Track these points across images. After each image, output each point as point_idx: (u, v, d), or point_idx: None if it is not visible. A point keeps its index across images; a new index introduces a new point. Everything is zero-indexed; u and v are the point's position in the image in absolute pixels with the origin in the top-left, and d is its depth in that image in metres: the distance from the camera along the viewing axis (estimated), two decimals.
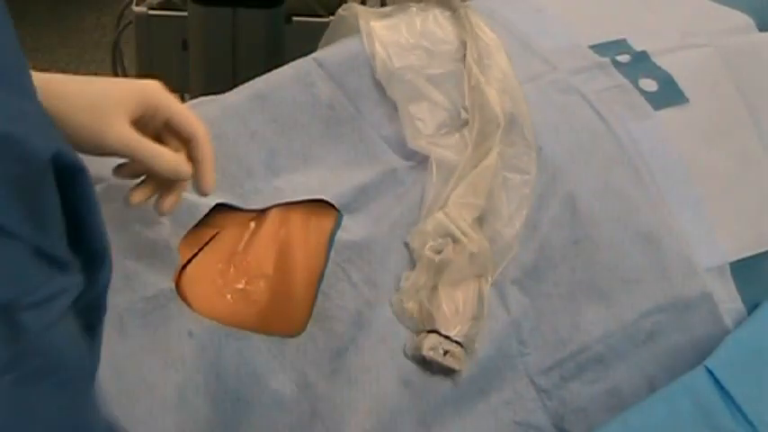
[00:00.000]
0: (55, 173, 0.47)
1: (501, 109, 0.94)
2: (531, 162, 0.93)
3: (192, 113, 0.81)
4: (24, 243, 0.46)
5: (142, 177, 0.82)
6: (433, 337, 0.84)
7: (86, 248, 0.50)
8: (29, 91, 0.52)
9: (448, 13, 1.05)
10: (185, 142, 0.81)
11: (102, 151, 0.76)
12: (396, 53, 0.99)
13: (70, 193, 0.49)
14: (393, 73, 0.97)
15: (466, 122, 0.95)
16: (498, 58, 1.00)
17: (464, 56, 0.99)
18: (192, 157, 0.81)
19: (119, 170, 0.82)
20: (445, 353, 0.84)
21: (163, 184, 0.81)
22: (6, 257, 0.45)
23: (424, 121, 0.95)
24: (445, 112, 0.96)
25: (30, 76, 0.53)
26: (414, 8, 1.04)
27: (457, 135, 0.95)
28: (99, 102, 0.75)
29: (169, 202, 0.81)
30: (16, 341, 0.45)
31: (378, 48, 0.98)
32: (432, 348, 0.83)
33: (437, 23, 1.03)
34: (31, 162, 0.46)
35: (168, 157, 0.78)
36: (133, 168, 0.81)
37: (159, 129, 0.81)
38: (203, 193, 0.82)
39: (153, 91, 0.79)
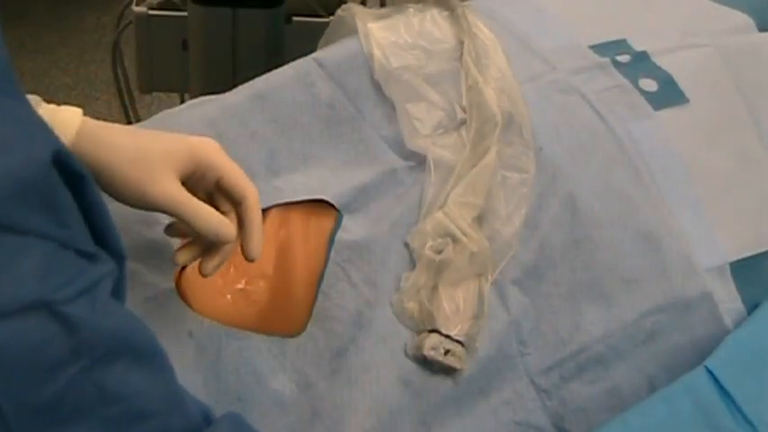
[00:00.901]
0: (60, 175, 0.49)
1: (499, 108, 0.94)
2: (529, 161, 0.93)
3: (244, 175, 0.79)
4: (51, 240, 0.48)
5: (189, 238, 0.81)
6: (434, 336, 0.84)
7: (102, 248, 0.52)
8: (20, 94, 0.53)
9: (446, 13, 1.05)
10: (235, 205, 0.79)
11: (147, 206, 0.75)
12: (393, 53, 0.99)
13: (77, 198, 0.51)
14: (391, 73, 0.97)
15: (464, 122, 0.95)
16: (496, 57, 1.00)
17: (461, 55, 0.99)
18: (240, 220, 0.79)
19: (168, 229, 0.81)
20: (446, 352, 0.84)
21: (210, 245, 0.80)
22: (38, 256, 0.47)
23: (422, 120, 0.95)
24: (443, 112, 0.96)
25: (14, 77, 0.53)
26: (411, 8, 1.04)
27: (455, 135, 0.95)
28: (147, 155, 0.74)
29: (212, 264, 0.79)
30: (73, 333, 0.48)
31: (375, 48, 0.98)
32: (433, 348, 0.84)
33: (435, 23, 1.03)
34: (35, 163, 0.48)
35: (212, 219, 0.76)
36: (180, 227, 0.80)
37: (211, 189, 0.79)
38: (249, 258, 0.79)
39: (206, 149, 0.78)
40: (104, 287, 0.51)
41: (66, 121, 0.73)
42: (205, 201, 0.78)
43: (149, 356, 0.55)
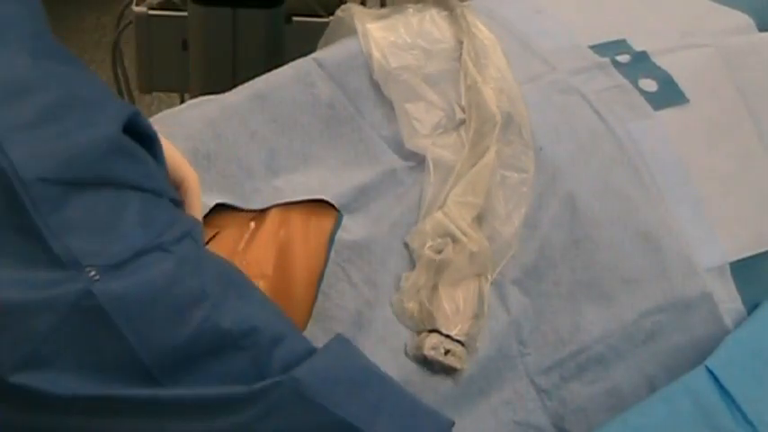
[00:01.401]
0: (136, 134, 0.55)
1: (498, 108, 0.94)
2: (528, 160, 0.93)
3: (183, 160, 0.79)
4: (145, 191, 0.54)
5: None
6: (434, 336, 0.84)
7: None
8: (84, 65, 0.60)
9: (445, 13, 1.05)
10: (177, 188, 0.78)
11: None
12: (392, 53, 0.99)
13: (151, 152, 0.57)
14: (390, 73, 0.97)
15: (463, 122, 0.95)
16: (495, 57, 1.00)
17: (461, 55, 0.99)
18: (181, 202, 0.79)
19: None
20: (446, 352, 0.84)
21: None
22: (138, 207, 0.53)
23: (421, 120, 0.95)
24: (442, 112, 0.96)
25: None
26: (410, 9, 1.04)
27: (454, 134, 0.95)
28: None
29: None
30: (193, 272, 0.54)
31: (374, 49, 0.98)
32: (433, 348, 0.84)
33: (434, 23, 1.03)
34: (119, 124, 0.53)
35: None
36: None
37: None
38: None
39: None
40: (198, 231, 0.57)
41: None
42: None
43: (252, 289, 0.60)
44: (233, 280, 0.57)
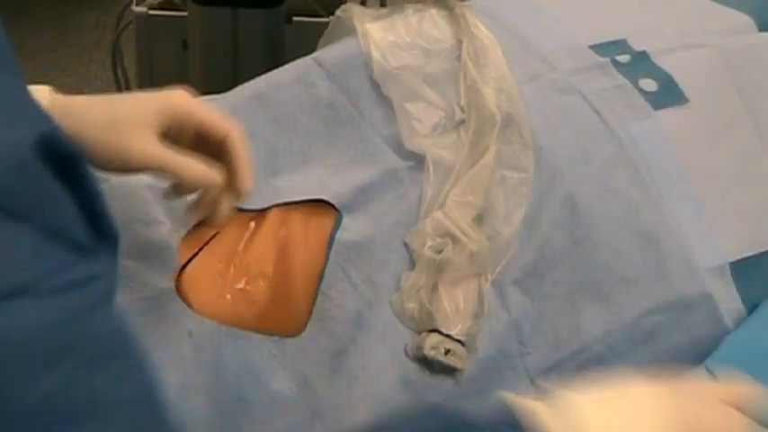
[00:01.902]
0: (49, 157, 0.46)
1: (497, 108, 0.94)
2: (528, 160, 0.93)
3: (222, 115, 0.78)
4: (39, 226, 0.45)
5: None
6: (435, 336, 0.84)
7: (96, 233, 0.49)
8: (15, 70, 0.52)
9: (444, 13, 1.05)
10: (219, 147, 0.78)
11: (130, 168, 0.74)
12: (392, 53, 0.99)
13: (71, 183, 0.48)
14: (389, 73, 0.97)
15: (462, 122, 0.95)
16: (494, 57, 1.00)
17: (460, 55, 0.99)
18: (227, 160, 0.78)
19: (166, 195, 0.80)
20: (447, 352, 0.84)
21: (215, 197, 0.79)
22: (26, 242, 0.44)
23: (421, 120, 0.95)
24: (441, 112, 0.96)
25: (11, 54, 0.52)
26: (410, 9, 1.04)
27: (454, 134, 0.95)
28: (120, 119, 0.73)
29: (219, 215, 0.80)
30: (62, 329, 0.45)
31: (373, 49, 0.98)
32: (433, 348, 0.83)
33: (433, 23, 1.03)
34: (20, 144, 0.45)
35: (195, 166, 0.75)
36: (178, 188, 0.79)
37: (193, 141, 0.78)
38: (240, 195, 0.79)
39: (177, 101, 0.77)
40: (97, 286, 0.48)
41: (35, 95, 0.73)
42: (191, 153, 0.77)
43: (140, 370, 0.51)
44: (122, 349, 0.50)
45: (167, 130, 0.76)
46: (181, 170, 0.75)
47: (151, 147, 0.74)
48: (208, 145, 0.78)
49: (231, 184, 0.79)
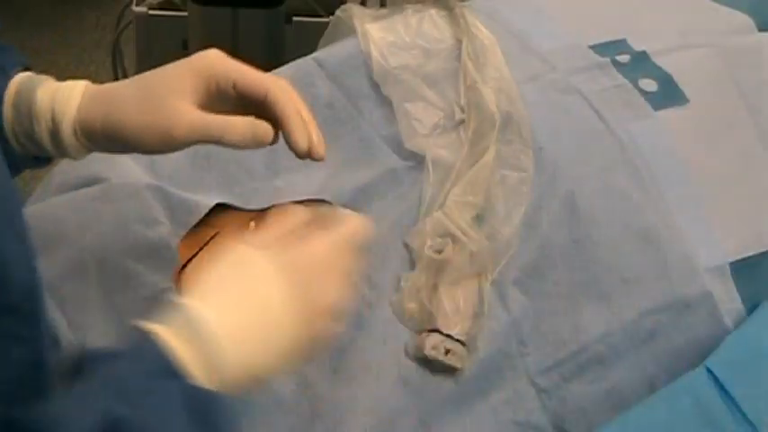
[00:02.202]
0: None
1: (497, 107, 0.94)
2: (528, 160, 0.93)
3: (258, 72, 0.72)
4: None
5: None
6: (435, 336, 0.84)
7: None
8: None
9: (444, 13, 1.05)
10: (261, 104, 0.71)
11: (176, 144, 0.70)
12: (392, 53, 0.99)
13: None
14: (389, 73, 0.97)
15: (462, 121, 0.95)
16: (494, 56, 1.00)
17: (460, 55, 0.99)
18: (273, 118, 0.71)
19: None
20: (447, 352, 0.84)
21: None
22: None
23: (421, 120, 0.95)
24: (441, 112, 0.96)
25: None
26: (410, 9, 1.04)
27: (453, 134, 0.95)
28: (155, 97, 0.70)
29: (300, 140, 0.71)
30: None
31: (373, 49, 0.98)
32: (433, 347, 0.83)
33: (433, 23, 1.03)
34: None
35: (240, 126, 0.69)
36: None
37: (238, 103, 0.72)
38: (302, 153, 0.72)
39: (208, 60, 0.72)
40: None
41: (68, 92, 0.71)
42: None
43: None
44: None
45: (206, 97, 0.71)
46: (227, 132, 0.69)
47: (193, 117, 0.69)
48: (251, 106, 0.72)
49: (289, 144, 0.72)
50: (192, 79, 0.71)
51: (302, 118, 0.71)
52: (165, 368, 0.54)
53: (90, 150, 0.74)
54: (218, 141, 0.70)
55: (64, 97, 0.71)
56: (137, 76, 0.74)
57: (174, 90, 0.70)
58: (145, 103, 0.70)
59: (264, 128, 0.70)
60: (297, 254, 0.62)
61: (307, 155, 0.72)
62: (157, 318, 0.56)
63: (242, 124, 0.70)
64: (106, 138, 0.71)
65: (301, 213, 0.66)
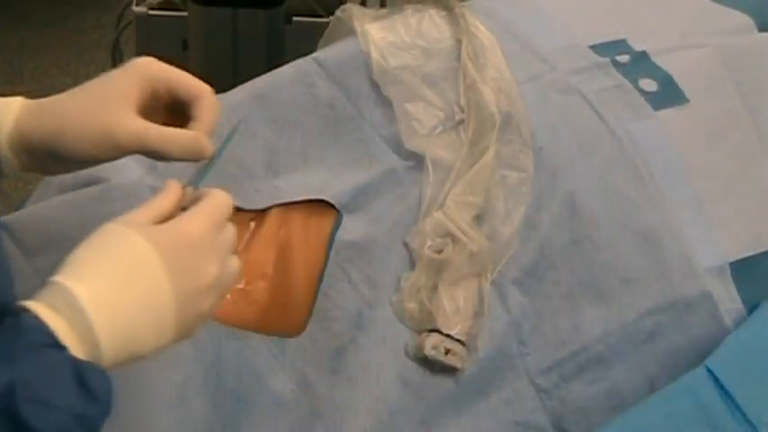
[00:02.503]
0: None
1: (497, 107, 0.94)
2: (527, 159, 0.93)
3: (192, 77, 0.73)
4: None
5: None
6: (435, 336, 0.84)
7: None
8: None
9: (444, 13, 1.05)
10: (193, 108, 0.72)
11: (116, 150, 0.70)
12: (391, 53, 0.99)
13: None
14: (389, 73, 0.97)
15: (462, 121, 0.95)
16: (494, 56, 1.00)
17: (459, 55, 0.99)
18: (197, 118, 0.72)
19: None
20: (447, 351, 0.84)
21: None
22: None
23: (421, 120, 0.95)
24: (441, 112, 0.96)
25: None
26: (409, 9, 1.04)
27: (453, 134, 0.95)
28: (95, 102, 0.70)
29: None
30: None
31: (372, 49, 0.98)
32: (434, 347, 0.84)
33: (432, 23, 1.03)
34: None
35: (182, 138, 0.70)
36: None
37: (168, 112, 0.73)
38: (197, 156, 0.71)
39: (145, 66, 0.73)
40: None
41: (4, 106, 0.71)
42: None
43: None
44: None
45: (146, 102, 0.72)
46: (168, 144, 0.70)
47: (137, 125, 0.70)
48: (177, 114, 0.73)
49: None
50: (132, 85, 0.71)
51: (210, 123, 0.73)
52: (45, 340, 0.55)
53: (26, 167, 0.73)
54: (157, 153, 0.70)
55: (3, 107, 0.71)
56: (77, 88, 0.73)
57: (115, 95, 0.71)
58: (85, 106, 0.70)
59: (205, 141, 0.71)
60: (171, 232, 0.62)
61: (197, 157, 0.72)
62: (36, 296, 0.58)
63: (185, 138, 0.70)
64: (44, 147, 0.70)
65: (171, 192, 0.66)
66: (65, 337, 0.56)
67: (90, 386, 0.55)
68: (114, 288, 0.59)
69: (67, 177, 0.91)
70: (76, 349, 0.57)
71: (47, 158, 0.72)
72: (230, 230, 0.67)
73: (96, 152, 0.70)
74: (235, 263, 0.67)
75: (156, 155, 0.71)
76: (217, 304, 0.65)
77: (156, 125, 0.71)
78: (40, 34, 2.68)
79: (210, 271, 0.63)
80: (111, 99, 0.70)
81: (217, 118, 0.73)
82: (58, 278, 0.59)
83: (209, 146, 0.71)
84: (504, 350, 0.87)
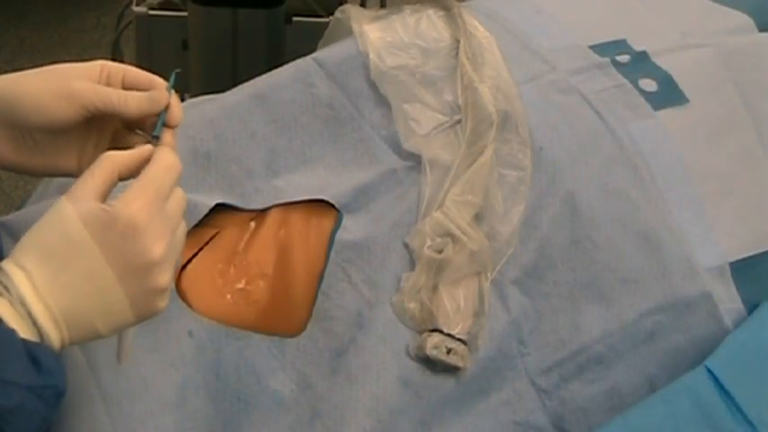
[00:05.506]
0: None
1: (494, 107, 0.94)
2: (526, 158, 0.93)
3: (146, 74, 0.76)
4: None
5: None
6: (436, 336, 0.84)
7: None
8: None
9: (442, 13, 1.05)
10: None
11: (78, 108, 0.71)
12: (389, 53, 0.99)
13: None
14: (386, 73, 0.97)
15: (459, 121, 0.95)
16: (492, 56, 1.00)
17: (457, 54, 0.99)
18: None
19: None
20: (449, 351, 0.84)
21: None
22: None
23: (418, 120, 0.95)
24: (439, 112, 0.96)
25: None
26: (407, 9, 1.04)
27: (451, 134, 0.95)
28: (56, 70, 0.73)
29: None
30: None
31: (370, 50, 0.98)
32: (435, 347, 0.84)
33: (431, 23, 1.03)
34: None
35: (136, 94, 0.73)
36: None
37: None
38: (154, 104, 0.73)
39: (104, 62, 0.75)
40: None
41: None
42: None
43: None
44: None
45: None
46: (126, 100, 0.72)
47: (92, 84, 0.72)
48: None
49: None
50: (91, 66, 0.74)
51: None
52: None
53: None
54: (114, 103, 0.72)
55: None
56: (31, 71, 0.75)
57: (76, 69, 0.73)
58: (44, 73, 0.72)
59: (162, 93, 0.73)
60: (111, 213, 0.64)
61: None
62: None
63: (140, 95, 0.73)
64: (3, 111, 0.71)
65: (120, 160, 0.68)
66: (10, 319, 0.61)
67: (41, 362, 0.60)
68: (51, 271, 0.63)
69: (67, 178, 0.91)
70: (24, 331, 0.61)
71: (7, 125, 0.72)
72: (177, 196, 0.68)
73: (55, 105, 0.71)
74: (182, 229, 0.69)
75: (113, 109, 0.72)
76: (169, 282, 0.66)
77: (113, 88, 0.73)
78: (40, 34, 2.68)
79: (156, 248, 0.65)
80: (72, 69, 0.73)
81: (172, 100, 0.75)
82: (3, 263, 0.63)
83: (165, 94, 0.73)
84: (504, 350, 0.87)
